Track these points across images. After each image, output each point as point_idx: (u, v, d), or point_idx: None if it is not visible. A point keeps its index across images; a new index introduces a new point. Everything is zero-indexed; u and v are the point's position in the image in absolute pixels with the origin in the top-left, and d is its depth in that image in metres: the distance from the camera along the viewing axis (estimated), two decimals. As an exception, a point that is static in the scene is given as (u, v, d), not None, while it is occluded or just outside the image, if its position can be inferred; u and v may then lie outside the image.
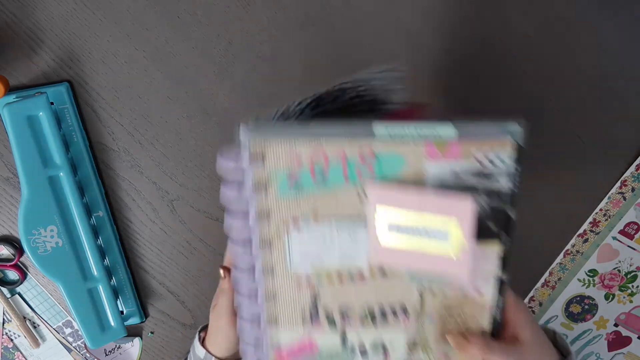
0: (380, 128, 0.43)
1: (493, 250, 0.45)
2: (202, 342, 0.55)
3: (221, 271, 0.52)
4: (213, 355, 0.54)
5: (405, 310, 0.48)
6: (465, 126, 0.43)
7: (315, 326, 0.49)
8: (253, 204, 0.45)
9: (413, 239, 0.44)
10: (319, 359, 0.50)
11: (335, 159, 0.44)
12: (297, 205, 0.45)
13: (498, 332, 0.48)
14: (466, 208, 0.42)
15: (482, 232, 0.44)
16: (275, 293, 0.48)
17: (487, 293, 0.46)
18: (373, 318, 0.49)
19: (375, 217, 0.45)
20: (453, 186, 0.43)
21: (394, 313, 0.48)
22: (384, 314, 0.48)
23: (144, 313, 0.69)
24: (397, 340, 0.49)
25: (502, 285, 0.46)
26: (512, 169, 0.42)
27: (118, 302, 0.66)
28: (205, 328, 0.57)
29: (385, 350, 0.50)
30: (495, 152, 0.43)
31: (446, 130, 0.43)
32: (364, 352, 0.50)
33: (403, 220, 0.44)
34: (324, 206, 0.45)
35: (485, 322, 0.47)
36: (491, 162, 0.43)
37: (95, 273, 0.62)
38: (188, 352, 0.58)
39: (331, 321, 0.49)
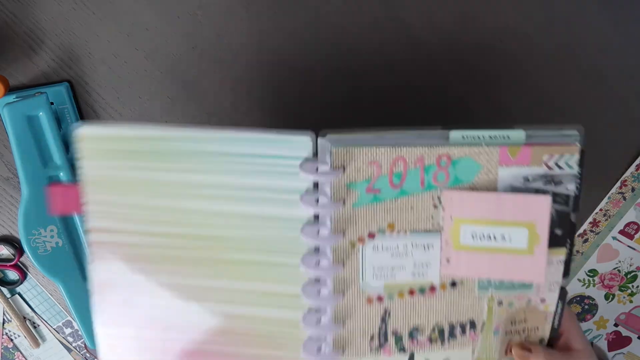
0: (456, 133, 0.44)
1: (560, 258, 0.46)
2: None
3: None
4: None
5: (473, 325, 0.48)
6: (534, 132, 0.45)
7: (383, 352, 0.48)
8: (329, 216, 0.45)
9: (488, 244, 0.45)
10: None
11: (413, 165, 0.44)
12: (374, 216, 0.45)
13: (553, 342, 0.49)
14: (543, 207, 0.44)
15: (550, 240, 0.45)
16: (344, 315, 0.47)
17: (551, 301, 0.47)
18: (442, 336, 0.48)
19: (451, 223, 0.45)
20: (523, 191, 0.45)
21: (462, 329, 0.48)
22: (452, 331, 0.48)
23: (144, 313, 0.69)
24: (464, 358, 0.49)
25: (562, 292, 0.47)
26: (577, 174, 0.45)
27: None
28: None
29: None
30: (563, 157, 0.45)
31: (517, 135, 0.44)
32: None
33: (478, 225, 0.45)
34: (400, 216, 0.46)
35: (546, 332, 0.48)
36: (559, 166, 0.45)
37: (95, 273, 0.63)
38: None
39: (399, 344, 0.48)
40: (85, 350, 0.72)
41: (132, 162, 0.46)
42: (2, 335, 0.71)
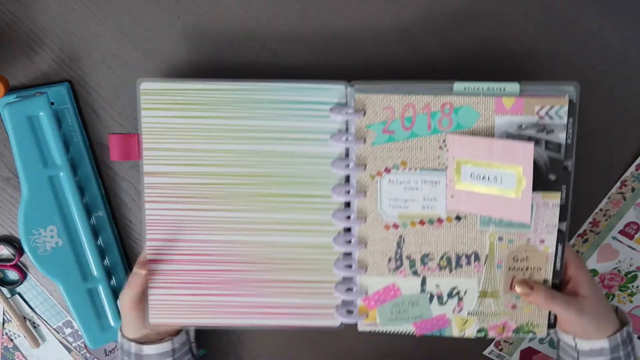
0: (459, 85, 0.52)
1: (554, 202, 0.51)
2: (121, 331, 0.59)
3: (141, 271, 0.56)
4: (128, 338, 0.58)
5: (477, 257, 0.54)
6: (528, 85, 0.51)
7: (399, 272, 0.56)
8: (354, 151, 0.54)
9: (484, 184, 0.51)
10: (401, 304, 0.56)
11: (421, 111, 0.52)
12: (389, 154, 0.53)
13: (560, 286, 0.54)
14: (527, 153, 0.48)
15: (544, 184, 0.51)
16: (366, 238, 0.55)
17: (550, 243, 0.53)
18: (450, 265, 0.55)
19: (453, 164, 0.52)
20: (517, 137, 0.50)
21: (468, 260, 0.55)
22: (459, 261, 0.55)
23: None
24: (470, 288, 0.55)
25: (561, 235, 0.52)
26: (567, 123, 0.50)
27: (117, 302, 0.66)
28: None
29: (459, 297, 0.56)
30: (553, 107, 0.50)
31: (512, 88, 0.51)
32: (440, 298, 0.56)
33: (476, 167, 0.51)
34: (411, 155, 0.53)
35: (548, 273, 0.53)
36: (549, 116, 0.50)
37: (95, 273, 0.62)
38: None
39: (413, 267, 0.56)
40: (85, 350, 0.72)
41: (186, 112, 0.55)
42: (2, 335, 0.71)
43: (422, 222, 0.54)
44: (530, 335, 0.55)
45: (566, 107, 0.49)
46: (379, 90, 0.52)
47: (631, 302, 0.65)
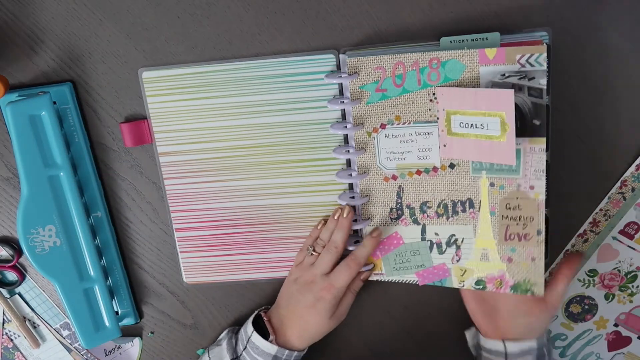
0: (445, 39, 0.55)
1: (540, 147, 0.52)
2: (269, 332, 0.59)
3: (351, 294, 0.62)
4: (297, 350, 0.59)
5: (472, 204, 0.57)
6: (507, 35, 0.55)
7: (400, 221, 0.59)
8: (350, 112, 0.58)
9: (472, 131, 0.53)
10: (404, 252, 0.60)
11: (410, 68, 0.55)
12: (384, 110, 0.57)
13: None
14: (508, 99, 0.50)
15: (530, 130, 0.52)
16: (368, 191, 0.60)
17: (539, 190, 0.54)
18: (447, 212, 0.58)
19: (444, 114, 0.54)
20: (501, 86, 0.52)
21: (463, 207, 0.57)
22: (455, 208, 0.57)
23: (139, 314, 0.69)
24: (467, 237, 0.58)
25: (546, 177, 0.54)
26: (545, 69, 0.51)
27: (113, 302, 0.66)
28: (265, 310, 0.62)
29: (457, 246, 0.58)
30: (533, 55, 0.51)
31: (494, 37, 0.54)
32: (439, 246, 0.59)
33: (464, 116, 0.53)
34: (404, 109, 0.56)
35: (541, 224, 0.54)
36: (530, 64, 0.51)
37: (92, 273, 0.62)
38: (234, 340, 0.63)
39: (413, 216, 0.59)
40: (85, 350, 0.72)
41: (188, 95, 0.60)
42: (2, 335, 0.71)
43: (418, 172, 0.57)
44: (529, 294, 0.56)
45: (544, 54, 0.50)
46: (368, 53, 0.56)
47: (631, 302, 0.65)
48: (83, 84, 0.62)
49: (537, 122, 0.52)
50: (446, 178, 0.57)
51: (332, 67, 0.58)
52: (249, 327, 0.60)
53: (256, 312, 0.62)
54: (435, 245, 0.59)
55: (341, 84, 0.58)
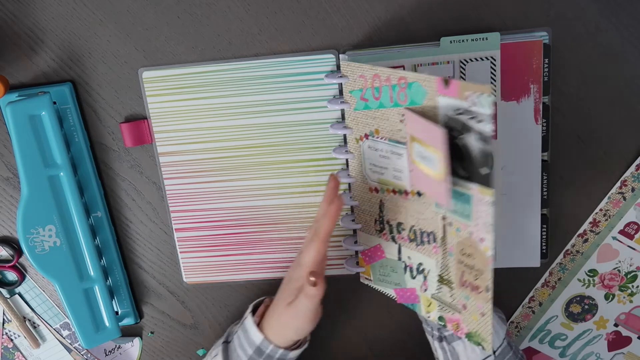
0: (445, 39, 0.54)
1: (488, 199, 0.45)
2: (259, 324, 0.57)
3: (311, 278, 0.50)
4: (276, 345, 0.55)
5: (434, 238, 0.52)
6: (507, 34, 0.53)
7: (382, 235, 0.58)
8: (346, 114, 0.56)
9: (424, 163, 0.49)
10: (385, 266, 0.58)
11: (384, 82, 0.51)
12: (366, 120, 0.54)
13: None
14: (441, 138, 0.45)
15: (477, 177, 0.45)
16: (358, 196, 0.58)
17: (489, 244, 0.46)
18: (416, 238, 0.54)
19: (409, 139, 0.50)
20: (454, 121, 0.46)
21: (428, 237, 0.53)
22: (422, 237, 0.54)
23: (139, 314, 0.69)
24: (432, 270, 0.54)
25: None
26: (490, 113, 0.42)
27: (113, 302, 0.66)
28: (259, 304, 0.60)
29: (424, 276, 0.55)
30: (481, 95, 0.43)
31: (494, 38, 0.52)
32: (412, 270, 0.56)
33: (420, 145, 0.49)
34: (381, 124, 0.53)
35: (488, 281, 0.47)
36: (475, 103, 0.43)
37: (92, 273, 0.62)
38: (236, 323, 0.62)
39: (391, 233, 0.56)
40: (85, 350, 0.72)
41: (188, 94, 0.60)
42: (2, 335, 0.71)
43: (394, 191, 0.55)
44: (480, 348, 0.51)
45: (490, 98, 0.42)
46: (358, 57, 0.55)
47: (631, 302, 0.65)
48: (83, 84, 0.62)
49: (483, 171, 0.45)
50: (415, 205, 0.53)
51: (332, 67, 0.58)
52: (249, 308, 0.59)
53: (264, 298, 0.61)
54: (408, 269, 0.56)
55: (341, 84, 0.58)
